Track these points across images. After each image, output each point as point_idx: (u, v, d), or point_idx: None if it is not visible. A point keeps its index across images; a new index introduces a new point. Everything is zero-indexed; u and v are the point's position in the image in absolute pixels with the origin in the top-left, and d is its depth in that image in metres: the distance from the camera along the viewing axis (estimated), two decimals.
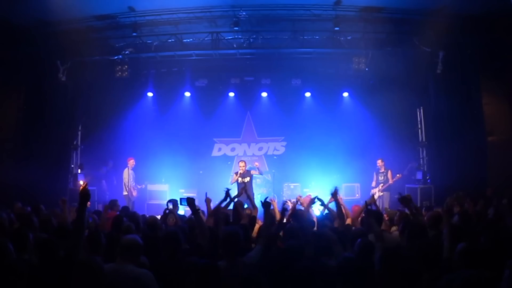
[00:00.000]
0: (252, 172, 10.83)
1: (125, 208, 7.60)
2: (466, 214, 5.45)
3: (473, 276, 2.68)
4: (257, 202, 6.50)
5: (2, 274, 3.10)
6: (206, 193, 6.44)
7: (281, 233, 4.91)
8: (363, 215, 5.51)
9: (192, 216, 4.81)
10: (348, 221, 5.75)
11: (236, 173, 10.72)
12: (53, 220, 5.47)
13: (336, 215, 5.73)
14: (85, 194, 3.62)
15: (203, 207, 6.40)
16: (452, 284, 2.74)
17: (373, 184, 11.38)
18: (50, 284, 3.29)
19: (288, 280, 3.39)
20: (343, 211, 5.81)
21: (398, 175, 10.99)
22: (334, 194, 5.57)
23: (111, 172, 12.41)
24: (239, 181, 10.49)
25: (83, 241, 3.59)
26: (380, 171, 11.29)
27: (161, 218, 6.29)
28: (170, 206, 7.19)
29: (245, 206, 7.44)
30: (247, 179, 10.52)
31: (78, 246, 3.48)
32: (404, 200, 5.17)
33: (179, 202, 7.86)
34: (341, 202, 5.88)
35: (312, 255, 3.94)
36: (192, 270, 3.21)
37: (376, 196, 10.78)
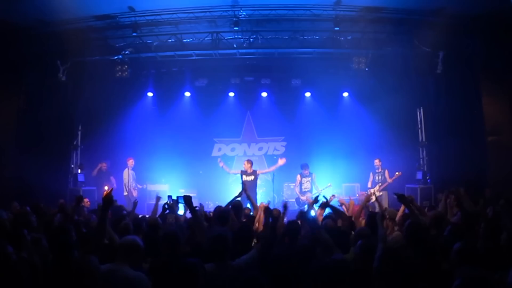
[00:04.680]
0: (259, 172, 10.70)
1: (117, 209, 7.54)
2: (465, 213, 5.45)
3: (475, 276, 2.68)
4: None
5: (4, 276, 3.10)
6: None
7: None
8: (364, 216, 5.53)
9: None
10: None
11: (243, 172, 10.65)
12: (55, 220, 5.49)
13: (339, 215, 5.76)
14: (108, 200, 3.62)
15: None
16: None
17: (369, 184, 11.40)
18: (62, 285, 3.30)
19: (305, 278, 3.39)
20: (346, 211, 5.81)
21: (397, 172, 10.99)
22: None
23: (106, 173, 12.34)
24: (243, 179, 10.43)
25: (102, 244, 3.58)
26: (377, 171, 11.31)
27: (159, 215, 6.30)
28: (170, 201, 7.13)
29: (248, 206, 7.45)
30: (250, 178, 10.43)
31: (98, 249, 3.50)
32: (403, 199, 5.13)
33: (176, 199, 7.81)
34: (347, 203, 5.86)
35: (321, 253, 3.94)
36: (192, 271, 3.21)
37: (374, 197, 10.81)
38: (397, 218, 5.79)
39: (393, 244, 4.47)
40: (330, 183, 10.92)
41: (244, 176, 10.45)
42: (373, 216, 5.04)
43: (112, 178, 11.85)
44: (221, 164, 11.09)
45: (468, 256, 3.24)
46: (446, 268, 3.41)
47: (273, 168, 11.04)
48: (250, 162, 10.68)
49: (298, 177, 11.28)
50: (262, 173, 11.00)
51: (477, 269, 3.09)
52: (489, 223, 4.67)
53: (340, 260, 3.46)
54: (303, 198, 10.85)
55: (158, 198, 6.81)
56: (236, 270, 3.63)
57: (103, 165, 12.01)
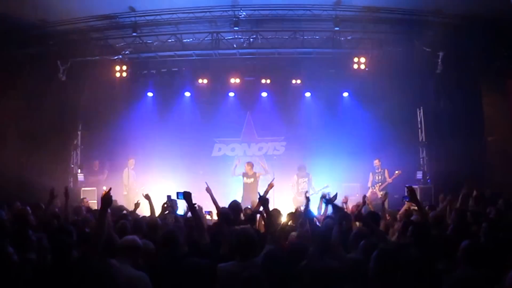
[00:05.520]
0: (258, 174, 10.88)
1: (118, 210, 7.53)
2: (463, 213, 5.45)
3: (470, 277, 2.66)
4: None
5: (5, 278, 3.09)
6: (206, 183, 6.53)
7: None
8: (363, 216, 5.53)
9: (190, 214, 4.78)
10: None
11: (244, 174, 10.92)
12: (54, 220, 5.49)
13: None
14: (107, 199, 3.63)
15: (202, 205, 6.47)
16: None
17: (369, 184, 11.43)
18: (63, 285, 3.30)
19: (292, 279, 3.40)
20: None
21: (397, 172, 11.00)
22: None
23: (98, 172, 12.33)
24: (244, 181, 10.68)
25: (101, 245, 3.59)
26: (377, 171, 11.32)
27: (159, 215, 6.30)
28: (169, 201, 7.11)
29: (249, 206, 7.47)
30: (250, 180, 10.62)
31: (96, 249, 3.51)
32: (413, 194, 5.08)
33: (176, 196, 7.77)
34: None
35: (317, 255, 3.93)
36: (192, 271, 3.20)
37: (380, 195, 10.85)
38: (399, 215, 5.80)
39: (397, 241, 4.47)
40: (327, 184, 10.90)
41: (245, 178, 10.65)
42: (372, 216, 5.04)
43: (99, 177, 11.82)
44: (236, 162, 11.29)
45: (474, 255, 3.23)
46: (441, 268, 3.40)
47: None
48: (251, 164, 10.88)
49: (295, 177, 11.35)
50: (262, 175, 11.07)
51: (474, 270, 3.08)
52: (490, 223, 4.68)
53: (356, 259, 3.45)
54: (299, 198, 10.89)
55: (148, 196, 6.81)
56: (259, 267, 3.64)
57: (95, 164, 12.03)
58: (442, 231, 4.73)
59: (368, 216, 5.02)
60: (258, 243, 3.91)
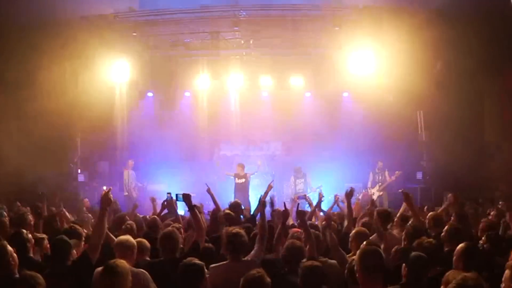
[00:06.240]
0: (248, 174, 11.16)
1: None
2: (464, 215, 5.44)
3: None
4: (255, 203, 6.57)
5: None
6: (207, 184, 6.55)
7: None
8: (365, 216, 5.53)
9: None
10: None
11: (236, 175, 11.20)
12: (57, 220, 5.52)
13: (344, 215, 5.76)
14: (106, 200, 3.66)
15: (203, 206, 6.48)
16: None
17: (369, 184, 11.44)
18: (62, 285, 3.31)
19: (289, 278, 3.41)
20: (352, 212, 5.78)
21: (397, 172, 11.02)
22: (349, 195, 5.54)
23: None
24: (236, 181, 11.00)
25: (101, 244, 3.62)
26: (377, 171, 11.37)
27: (158, 213, 6.32)
28: (169, 198, 7.12)
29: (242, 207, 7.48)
30: (241, 180, 10.94)
31: (97, 248, 3.54)
32: (407, 196, 5.07)
33: (175, 198, 7.78)
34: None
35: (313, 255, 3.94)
36: (189, 271, 3.22)
37: (375, 196, 10.86)
38: (396, 219, 5.78)
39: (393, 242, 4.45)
40: (321, 183, 10.92)
41: (236, 179, 10.99)
42: (384, 214, 5.01)
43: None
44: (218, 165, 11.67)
45: (471, 257, 3.22)
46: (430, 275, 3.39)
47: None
48: (242, 165, 11.22)
49: (292, 178, 11.50)
50: (252, 175, 11.37)
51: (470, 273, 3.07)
52: (490, 224, 4.68)
53: None
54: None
55: (153, 199, 6.85)
56: (251, 264, 3.66)
57: (99, 165, 12.09)
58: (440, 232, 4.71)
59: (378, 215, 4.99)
60: (248, 243, 3.95)
